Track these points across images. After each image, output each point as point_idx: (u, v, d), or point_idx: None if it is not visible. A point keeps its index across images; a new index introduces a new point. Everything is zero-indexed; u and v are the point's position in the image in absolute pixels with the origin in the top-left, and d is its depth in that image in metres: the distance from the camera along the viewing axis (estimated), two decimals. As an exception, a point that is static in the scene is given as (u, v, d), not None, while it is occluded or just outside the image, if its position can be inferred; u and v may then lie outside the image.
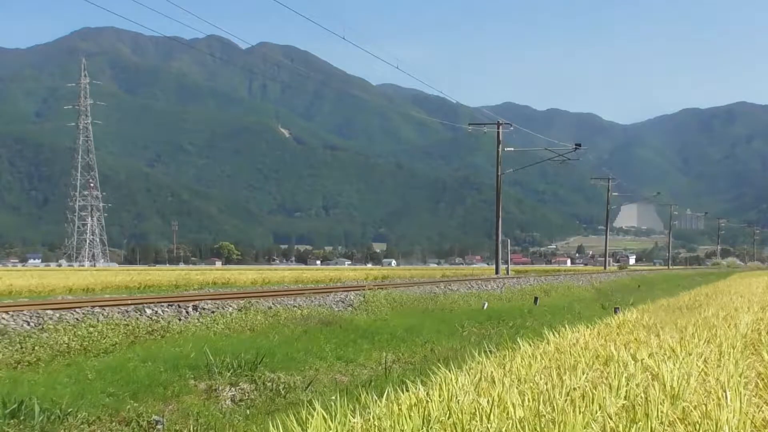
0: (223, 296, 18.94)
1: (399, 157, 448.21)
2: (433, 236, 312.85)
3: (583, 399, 6.21)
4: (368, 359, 12.33)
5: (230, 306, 16.42)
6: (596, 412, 5.88)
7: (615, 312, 18.85)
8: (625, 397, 6.47)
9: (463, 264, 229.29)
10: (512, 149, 58.48)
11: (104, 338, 11.80)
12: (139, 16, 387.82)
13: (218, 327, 14.10)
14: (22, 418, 7.48)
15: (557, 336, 11.06)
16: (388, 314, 18.59)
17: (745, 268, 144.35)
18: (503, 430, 5.43)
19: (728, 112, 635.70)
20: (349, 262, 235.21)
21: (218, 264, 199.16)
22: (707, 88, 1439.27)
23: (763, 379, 7.63)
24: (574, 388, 6.61)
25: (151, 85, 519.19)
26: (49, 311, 13.45)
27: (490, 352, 9.97)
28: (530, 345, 10.10)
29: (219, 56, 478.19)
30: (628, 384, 6.78)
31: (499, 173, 54.11)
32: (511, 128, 55.20)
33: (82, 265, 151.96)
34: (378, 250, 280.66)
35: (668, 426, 5.69)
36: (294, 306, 17.80)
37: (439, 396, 6.31)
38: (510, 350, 9.90)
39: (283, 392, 9.68)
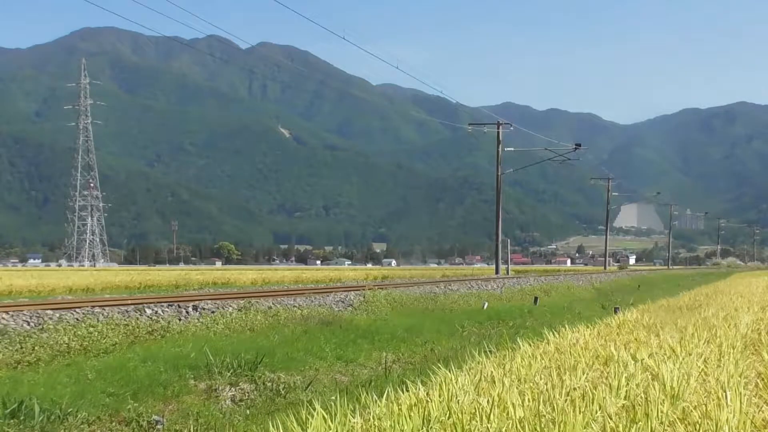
0: (223, 296, 18.94)
1: (399, 157, 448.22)
2: (433, 236, 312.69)
3: (583, 399, 6.20)
4: (368, 359, 12.33)
5: (230, 306, 16.41)
6: (596, 412, 5.88)
7: (615, 312, 18.84)
8: (625, 397, 6.46)
9: (463, 264, 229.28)
10: (512, 149, 58.48)
11: (104, 338, 11.80)
12: (139, 16, 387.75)
13: (218, 327, 14.10)
14: (22, 418, 7.48)
15: (557, 336, 11.06)
16: (388, 314, 18.59)
17: (745, 268, 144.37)
18: (503, 430, 5.43)
19: (728, 112, 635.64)
20: (349, 262, 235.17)
21: (218, 264, 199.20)
22: (707, 88, 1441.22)
23: (763, 379, 7.63)
24: (574, 388, 6.61)
25: (151, 85, 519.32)
26: (49, 311, 13.45)
27: (490, 352, 9.96)
28: (530, 345, 10.09)
29: (219, 56, 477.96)
30: (628, 384, 6.78)
31: (499, 173, 54.11)
32: (511, 128, 55.19)
33: (82, 265, 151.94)
34: (378, 250, 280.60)
35: (668, 426, 5.69)
36: (294, 306, 17.80)
37: (439, 396, 6.31)
38: (510, 350, 9.89)
39: (283, 392, 9.68)
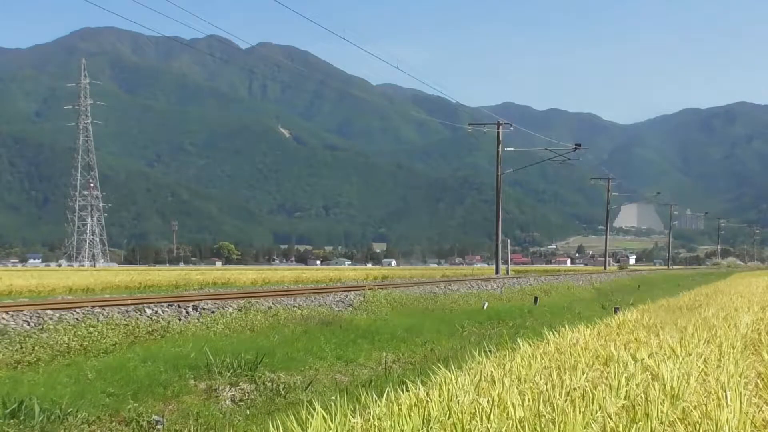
0: (223, 296, 18.94)
1: (399, 157, 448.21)
2: (433, 236, 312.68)
3: (583, 399, 6.20)
4: (368, 359, 12.33)
5: (230, 306, 16.41)
6: (596, 412, 5.88)
7: (615, 312, 18.84)
8: (625, 397, 6.46)
9: (463, 264, 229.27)
10: (512, 149, 58.48)
11: (104, 338, 11.80)
12: (139, 16, 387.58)
13: (218, 327, 14.10)
14: (22, 418, 7.48)
15: (557, 336, 11.05)
16: (388, 314, 18.59)
17: (745, 268, 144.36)
18: (503, 430, 5.43)
19: (728, 112, 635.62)
20: (349, 262, 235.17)
21: (218, 264, 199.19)
22: (707, 88, 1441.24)
23: (763, 379, 7.63)
24: (574, 388, 6.61)
25: (151, 85, 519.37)
26: (49, 311, 13.45)
27: (490, 352, 9.96)
28: (530, 345, 10.09)
29: (219, 56, 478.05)
30: (628, 384, 6.78)
31: (499, 173, 54.11)
32: (511, 128, 55.20)
33: (82, 265, 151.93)
34: (378, 250, 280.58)
35: (668, 426, 5.69)
36: (294, 306, 17.80)
37: (439, 396, 6.31)
38: (510, 350, 9.89)
39: (283, 392, 9.68)
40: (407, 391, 6.74)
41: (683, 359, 8.25)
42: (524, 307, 23.28)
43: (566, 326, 12.54)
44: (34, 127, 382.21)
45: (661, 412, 5.81)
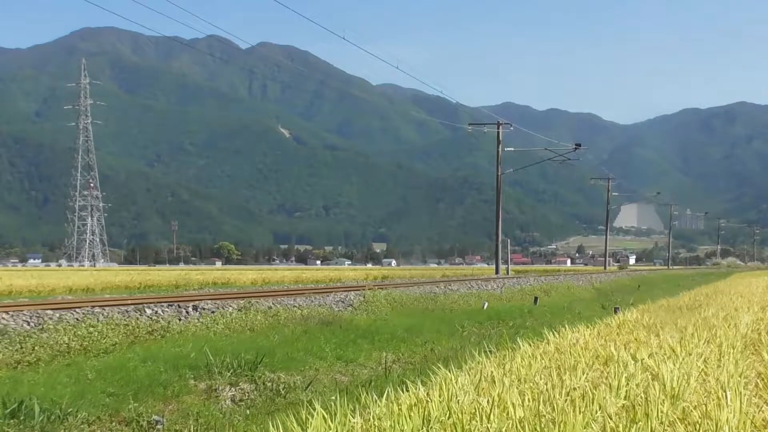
0: (223, 296, 18.94)
1: (399, 157, 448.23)
2: (433, 236, 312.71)
3: (583, 399, 6.20)
4: (368, 359, 12.33)
5: (230, 306, 16.41)
6: (596, 412, 5.88)
7: (615, 312, 18.84)
8: (625, 397, 6.46)
9: (463, 264, 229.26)
10: (512, 149, 58.48)
11: (104, 338, 11.80)
12: (139, 16, 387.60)
13: (218, 327, 14.10)
14: (22, 418, 7.48)
15: (557, 336, 11.05)
16: (388, 314, 18.59)
17: (745, 268, 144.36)
18: (503, 430, 5.43)
19: (728, 112, 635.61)
20: (349, 262, 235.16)
21: (218, 264, 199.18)
22: (707, 88, 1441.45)
23: (763, 379, 7.63)
24: (574, 388, 6.60)
25: (151, 85, 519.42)
26: (49, 311, 13.45)
27: (490, 352, 9.96)
28: (530, 345, 10.09)
29: (219, 56, 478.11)
30: (628, 384, 6.77)
31: (499, 173, 54.11)
32: (511, 128, 55.20)
33: (82, 265, 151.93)
34: (378, 250, 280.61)
35: (668, 426, 5.69)
36: (294, 306, 17.80)
37: (439, 396, 6.31)
38: (510, 350, 9.89)
39: (283, 392, 9.68)
40: (407, 391, 6.74)
41: (683, 359, 8.25)
42: (524, 307, 23.28)
43: (566, 326, 12.54)
44: (34, 127, 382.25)
45: (661, 412, 5.81)
